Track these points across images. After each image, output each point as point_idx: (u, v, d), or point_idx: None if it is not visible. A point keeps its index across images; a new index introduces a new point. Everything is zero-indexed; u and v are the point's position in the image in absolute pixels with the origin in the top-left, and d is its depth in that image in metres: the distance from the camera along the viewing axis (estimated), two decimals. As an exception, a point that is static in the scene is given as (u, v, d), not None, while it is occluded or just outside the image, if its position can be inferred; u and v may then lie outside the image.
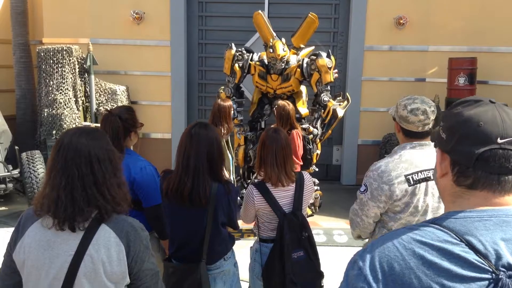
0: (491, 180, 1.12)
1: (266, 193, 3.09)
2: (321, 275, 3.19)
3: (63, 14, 8.09)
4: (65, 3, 8.09)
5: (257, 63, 6.04)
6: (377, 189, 2.56)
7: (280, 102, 5.44)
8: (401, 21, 7.78)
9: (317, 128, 5.86)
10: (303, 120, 6.09)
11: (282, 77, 5.87)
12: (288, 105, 5.31)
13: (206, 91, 8.43)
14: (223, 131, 5.13)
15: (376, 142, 8.06)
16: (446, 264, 1.04)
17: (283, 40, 5.79)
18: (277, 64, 5.73)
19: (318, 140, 6.02)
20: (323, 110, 5.89)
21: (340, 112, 5.98)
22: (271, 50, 5.66)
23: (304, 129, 5.80)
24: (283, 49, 5.65)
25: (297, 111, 5.99)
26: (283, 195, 3.13)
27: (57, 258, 1.76)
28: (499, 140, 1.09)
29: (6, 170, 6.31)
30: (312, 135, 5.82)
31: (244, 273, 3.42)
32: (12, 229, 1.90)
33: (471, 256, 1.03)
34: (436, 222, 1.12)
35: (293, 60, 5.94)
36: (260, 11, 6.06)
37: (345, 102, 6.15)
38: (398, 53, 8.00)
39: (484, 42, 7.68)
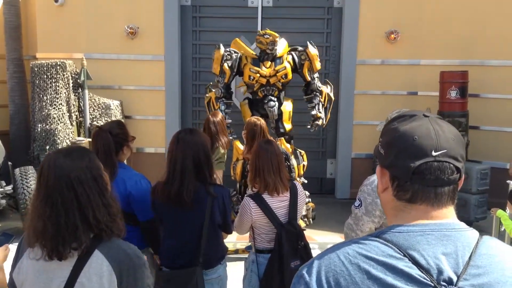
0: (428, 193, 1.14)
1: (263, 204, 3.16)
2: None
3: (57, 29, 8.11)
4: (59, 18, 8.12)
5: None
6: (371, 204, 2.57)
7: (251, 118, 5.30)
8: (392, 36, 7.86)
9: (322, 113, 6.15)
10: (283, 134, 6.26)
11: (275, 62, 6.04)
12: (259, 120, 5.15)
13: (200, 105, 8.44)
14: (223, 144, 5.11)
15: (370, 156, 8.08)
16: (390, 279, 1.05)
17: (267, 30, 6.00)
18: (269, 48, 5.89)
19: (324, 123, 6.25)
20: (320, 96, 6.15)
21: (331, 95, 6.35)
22: (261, 33, 5.91)
23: (312, 116, 6.07)
24: (270, 34, 5.88)
25: (281, 126, 6.21)
26: (279, 205, 3.20)
27: (51, 283, 1.74)
28: (433, 153, 1.12)
29: (-1, 186, 6.26)
30: (321, 120, 6.07)
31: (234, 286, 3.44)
32: (5, 246, 1.90)
33: (414, 271, 1.05)
34: (380, 236, 1.13)
35: (281, 47, 6.15)
36: (237, 38, 6.34)
37: (328, 86, 6.44)
38: (390, 67, 8.07)
39: (475, 56, 7.76)
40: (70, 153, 1.83)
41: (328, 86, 6.38)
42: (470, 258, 1.07)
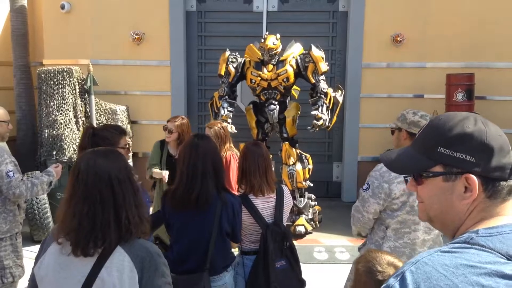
0: None
1: (249, 204, 3.22)
2: (303, 283, 3.36)
3: (63, 35, 8.17)
4: (65, 25, 8.18)
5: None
6: (378, 187, 2.84)
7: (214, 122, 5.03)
8: (398, 39, 7.85)
9: (324, 114, 5.95)
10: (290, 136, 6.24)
11: (277, 65, 6.05)
12: (220, 123, 4.87)
13: (206, 109, 8.44)
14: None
15: (376, 159, 8.04)
16: (503, 287, 0.98)
17: (278, 35, 6.00)
18: (266, 56, 5.94)
19: (328, 125, 6.04)
20: (325, 98, 6.05)
21: (340, 99, 6.19)
22: (262, 40, 5.93)
23: (314, 116, 5.88)
24: (273, 42, 5.87)
25: (285, 131, 6.20)
26: (265, 206, 3.26)
27: (71, 279, 1.76)
28: None
29: (7, 191, 6.28)
30: (322, 120, 5.87)
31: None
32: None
33: None
34: (471, 242, 1.06)
35: (295, 50, 6.20)
36: (252, 44, 6.31)
37: (339, 91, 6.34)
38: (396, 70, 8.05)
39: (481, 58, 7.74)
40: (106, 154, 1.89)
41: (339, 91, 6.30)
42: None
